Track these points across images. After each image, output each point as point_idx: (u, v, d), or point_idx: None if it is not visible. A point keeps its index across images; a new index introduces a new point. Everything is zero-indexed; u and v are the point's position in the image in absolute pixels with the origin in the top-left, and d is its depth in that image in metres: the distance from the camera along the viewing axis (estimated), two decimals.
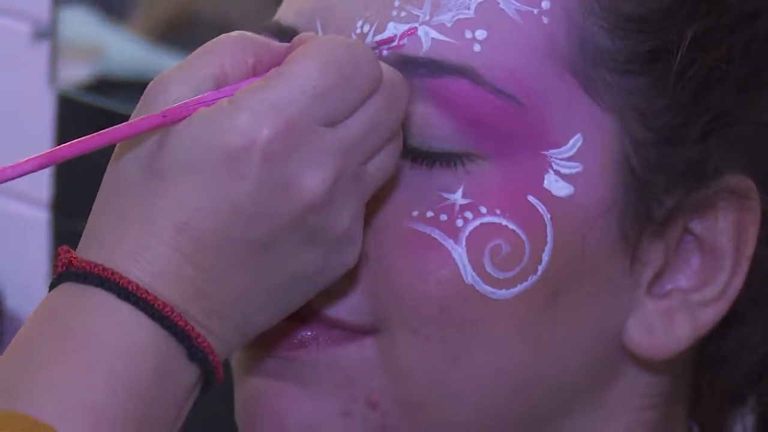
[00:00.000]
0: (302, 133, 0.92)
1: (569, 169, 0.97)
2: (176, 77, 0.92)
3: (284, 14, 1.01)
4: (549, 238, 0.97)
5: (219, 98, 0.91)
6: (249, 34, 0.95)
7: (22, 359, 0.91)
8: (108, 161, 0.92)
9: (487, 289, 0.96)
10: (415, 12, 1.01)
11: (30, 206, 2.24)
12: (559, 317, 0.99)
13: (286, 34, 0.99)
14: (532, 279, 0.97)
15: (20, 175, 0.90)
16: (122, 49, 2.16)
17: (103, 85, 2.18)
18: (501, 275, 0.96)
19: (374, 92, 0.94)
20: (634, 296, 0.99)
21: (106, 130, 0.90)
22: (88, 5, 2.19)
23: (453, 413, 1.01)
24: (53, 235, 2.21)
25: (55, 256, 0.91)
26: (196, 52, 0.95)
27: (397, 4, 0.99)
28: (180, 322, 0.90)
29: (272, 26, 1.00)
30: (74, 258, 0.91)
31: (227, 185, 0.91)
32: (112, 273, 0.90)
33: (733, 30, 0.98)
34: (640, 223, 0.98)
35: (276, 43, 0.95)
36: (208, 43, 0.94)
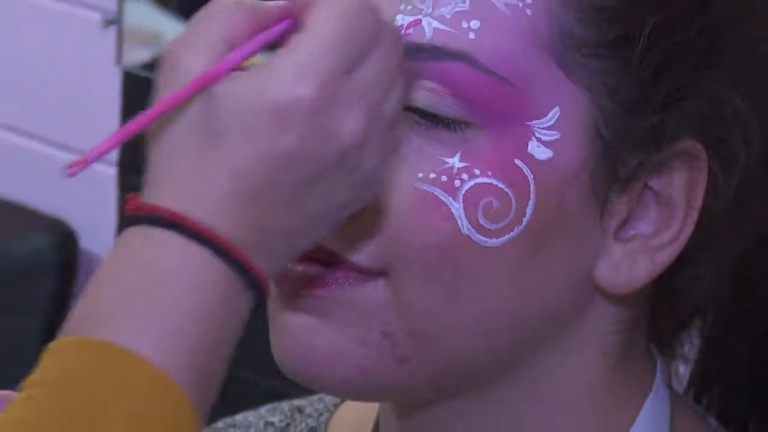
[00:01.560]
0: (334, 84, 0.89)
1: (549, 136, 0.97)
2: (192, 44, 0.90)
3: None
4: (532, 195, 0.96)
5: (242, 59, 0.89)
6: None
7: (103, 293, 0.88)
8: None
9: (480, 238, 0.96)
10: (419, 5, 1.00)
11: (100, 164, 2.23)
12: (541, 261, 0.99)
13: None
14: (517, 229, 0.96)
15: (109, 150, 0.88)
16: (175, 33, 2.16)
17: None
18: (492, 226, 0.95)
19: (380, 39, 0.91)
20: (603, 242, 0.99)
21: (158, 102, 0.88)
22: None
23: (452, 342, 1.00)
24: (120, 188, 2.20)
25: (125, 201, 0.90)
26: (198, 18, 0.92)
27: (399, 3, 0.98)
28: (239, 256, 0.88)
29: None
30: (145, 204, 0.89)
31: (276, 138, 0.89)
32: (180, 216, 0.88)
33: (687, 19, 0.96)
34: (608, 181, 0.97)
35: (267, 3, 0.92)
36: (207, 10, 0.91)
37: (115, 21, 2.18)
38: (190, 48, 0.90)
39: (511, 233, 0.97)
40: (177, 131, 0.89)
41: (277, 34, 0.91)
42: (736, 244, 1.03)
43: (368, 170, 0.92)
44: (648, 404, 1.04)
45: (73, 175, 0.87)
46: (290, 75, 0.89)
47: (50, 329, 2.21)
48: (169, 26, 2.16)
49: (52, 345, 0.86)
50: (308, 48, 0.89)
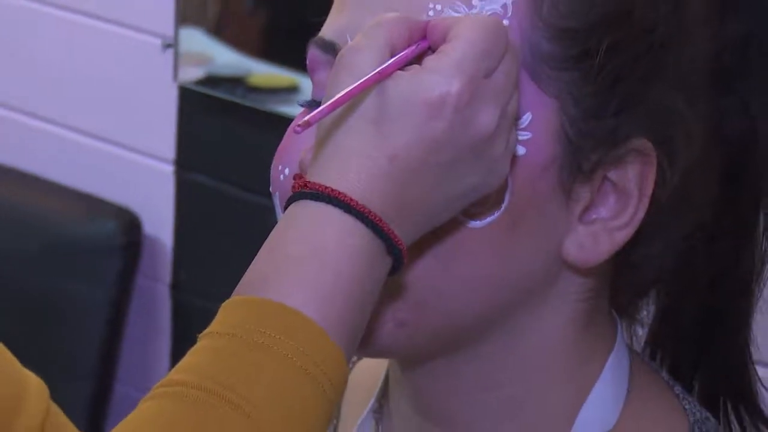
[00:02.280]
0: (475, 85, 0.91)
1: (523, 136, 0.96)
2: (364, 46, 0.91)
3: (325, 32, 0.97)
4: (509, 184, 0.94)
5: (405, 60, 0.91)
6: (399, 14, 0.93)
7: (272, 258, 0.90)
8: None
9: (465, 219, 0.91)
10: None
11: (160, 162, 2.23)
12: (517, 239, 0.98)
13: (327, 45, 0.96)
14: (497, 213, 0.95)
15: (321, 117, 0.89)
16: (221, 56, 2.16)
17: (209, 80, 2.17)
18: (476, 210, 0.93)
19: (507, 52, 0.92)
20: (569, 224, 0.98)
21: (346, 90, 0.89)
22: (198, 26, 2.17)
23: (444, 307, 0.99)
24: (176, 183, 2.20)
25: (294, 180, 0.93)
26: (369, 27, 0.92)
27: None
28: (386, 228, 0.89)
29: (318, 40, 0.96)
30: (309, 182, 0.90)
31: (428, 126, 0.90)
32: (339, 193, 0.89)
33: (637, 39, 0.96)
34: (573, 173, 0.95)
35: (419, 21, 0.94)
36: (375, 22, 0.92)
37: (171, 45, 2.18)
38: (362, 52, 0.91)
39: (492, 216, 0.96)
40: (350, 119, 0.91)
41: (422, 49, 0.93)
42: (681, 226, 1.03)
43: (495, 158, 0.92)
44: (611, 360, 1.04)
45: (299, 132, 0.89)
46: (442, 75, 0.90)
47: (116, 298, 2.22)
48: (214, 50, 2.16)
49: (225, 303, 0.88)
50: (456, 54, 0.90)
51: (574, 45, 0.95)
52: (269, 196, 1.02)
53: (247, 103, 2.12)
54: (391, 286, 0.96)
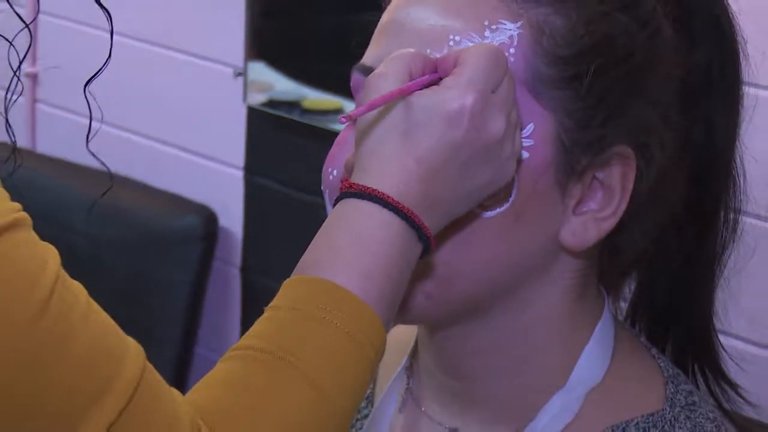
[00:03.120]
0: (486, 98, 0.90)
1: (526, 143, 0.95)
2: (388, 72, 0.91)
3: (365, 60, 0.97)
4: (515, 183, 0.93)
5: (422, 84, 0.91)
6: (413, 50, 0.93)
7: (324, 245, 0.90)
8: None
9: (479, 211, 0.90)
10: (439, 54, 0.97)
11: (232, 168, 2.23)
12: (521, 227, 0.97)
13: (367, 70, 0.94)
14: (505, 205, 0.95)
15: (360, 114, 0.90)
16: (280, 84, 2.16)
17: (271, 103, 2.17)
18: (488, 203, 0.92)
19: (507, 72, 0.92)
20: (564, 215, 0.97)
21: (373, 99, 0.89)
22: (262, 60, 2.17)
23: (461, 284, 0.98)
24: (245, 185, 2.20)
25: (342, 182, 0.92)
26: (390, 58, 0.93)
27: (428, 51, 0.96)
28: (417, 220, 0.89)
29: (359, 66, 0.96)
30: (353, 184, 0.90)
31: (448, 133, 0.90)
32: (378, 192, 0.89)
33: (618, 64, 0.95)
34: (567, 174, 0.94)
35: (430, 57, 0.94)
36: (396, 54, 0.93)
37: (241, 73, 2.18)
38: (386, 76, 0.91)
39: (501, 208, 0.95)
40: (380, 131, 0.90)
41: (434, 78, 0.92)
42: (656, 217, 1.02)
43: (505, 159, 0.92)
44: (599, 327, 1.03)
45: (343, 123, 0.91)
46: (458, 90, 0.90)
47: (197, 279, 2.22)
48: (275, 79, 2.16)
49: (285, 282, 0.88)
50: (468, 73, 0.90)
51: (568, 69, 0.95)
52: (320, 194, 1.02)
53: (302, 121, 2.12)
54: (421, 266, 0.95)
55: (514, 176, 0.95)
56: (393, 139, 0.90)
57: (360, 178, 0.90)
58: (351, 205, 0.90)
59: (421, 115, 0.90)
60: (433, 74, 0.93)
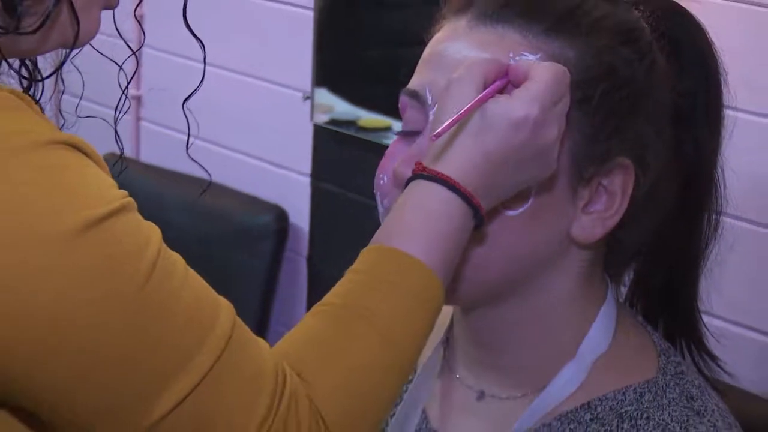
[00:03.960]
0: (547, 110, 0.89)
1: None
2: (465, 79, 0.90)
3: (410, 85, 0.95)
4: (533, 187, 0.91)
5: (494, 91, 0.90)
6: (489, 57, 0.93)
7: (396, 218, 0.89)
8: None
9: (503, 210, 0.89)
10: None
11: (301, 175, 2.24)
12: (538, 224, 0.97)
13: (412, 93, 0.93)
14: (525, 205, 0.94)
15: (449, 127, 0.88)
16: (340, 106, 2.16)
17: (333, 122, 2.17)
18: (511, 204, 0.90)
19: (568, 90, 0.91)
20: (574, 214, 0.95)
21: (456, 116, 0.88)
22: (325, 86, 2.17)
23: (491, 269, 0.98)
24: (311, 189, 2.19)
25: (415, 165, 0.90)
26: (468, 65, 0.91)
27: None
28: (474, 201, 0.88)
29: (406, 90, 0.94)
30: (426, 167, 0.89)
31: (512, 136, 0.88)
32: (445, 176, 0.88)
33: (620, 89, 0.94)
34: (577, 180, 0.93)
35: (502, 63, 0.92)
36: (472, 62, 0.91)
37: (309, 97, 2.19)
38: (464, 82, 0.90)
39: (522, 208, 0.95)
40: (459, 130, 0.89)
41: (504, 83, 0.91)
42: (651, 217, 1.01)
43: (551, 160, 0.91)
44: (603, 308, 1.02)
45: (437, 138, 0.88)
46: (526, 102, 0.89)
47: (271, 266, 2.22)
48: (335, 102, 2.15)
49: (364, 250, 0.88)
50: (537, 88, 0.89)
51: (578, 93, 0.94)
52: (373, 196, 1.01)
53: (357, 137, 2.12)
54: (460, 255, 0.94)
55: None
56: (465, 136, 0.89)
57: (431, 163, 0.89)
58: (421, 185, 0.89)
59: (493, 119, 0.89)
60: (503, 79, 0.92)
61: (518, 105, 0.89)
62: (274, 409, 0.78)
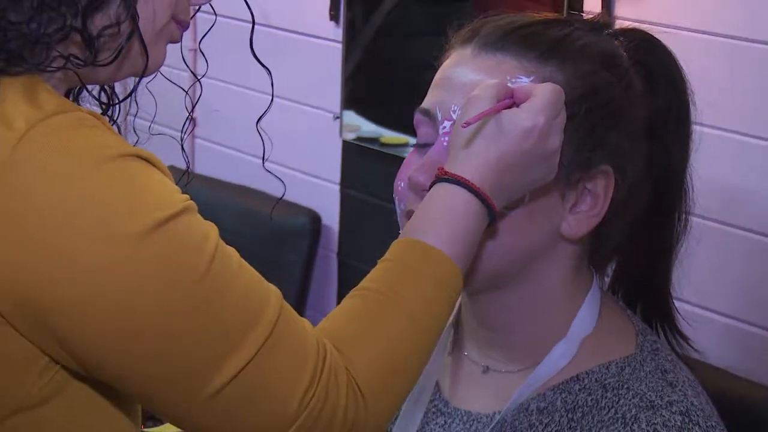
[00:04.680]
0: (551, 121, 0.89)
1: None
2: (482, 97, 0.89)
3: (424, 104, 0.94)
4: (529, 192, 0.90)
5: (505, 105, 0.89)
6: (497, 81, 0.92)
7: (421, 215, 0.88)
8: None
9: (506, 211, 0.89)
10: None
11: (332, 184, 2.23)
12: (533, 222, 0.97)
13: (425, 112, 0.93)
14: (523, 207, 0.91)
15: (472, 123, 0.88)
16: (365, 126, 2.16)
17: (359, 139, 2.15)
18: (511, 205, 0.90)
19: (564, 106, 0.91)
20: (563, 214, 0.93)
21: (478, 114, 0.87)
22: (353, 109, 2.16)
23: (493, 260, 0.96)
24: (341, 195, 2.18)
25: (438, 170, 0.89)
26: (484, 86, 0.91)
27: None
28: (489, 200, 0.87)
29: (420, 109, 0.94)
30: (447, 171, 0.88)
31: (522, 142, 0.88)
32: (464, 179, 0.87)
33: (602, 107, 0.94)
34: (565, 184, 0.91)
35: (508, 85, 0.92)
36: (487, 84, 0.91)
37: (338, 117, 2.17)
38: (481, 98, 0.89)
39: (519, 209, 0.94)
40: (476, 136, 0.89)
41: (511, 102, 0.91)
42: (629, 216, 1.01)
43: (553, 165, 0.91)
44: (589, 295, 1.02)
45: (466, 126, 0.87)
46: (533, 113, 0.88)
47: (307, 261, 2.20)
48: (361, 122, 2.14)
49: (394, 242, 0.88)
50: (541, 102, 0.89)
51: (566, 110, 0.93)
52: (392, 201, 1.01)
53: (380, 151, 2.11)
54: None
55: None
56: (481, 142, 0.89)
57: (452, 168, 0.89)
58: (444, 187, 0.89)
59: (506, 127, 0.89)
60: (510, 99, 0.91)
61: (527, 116, 0.89)
62: (317, 378, 0.78)
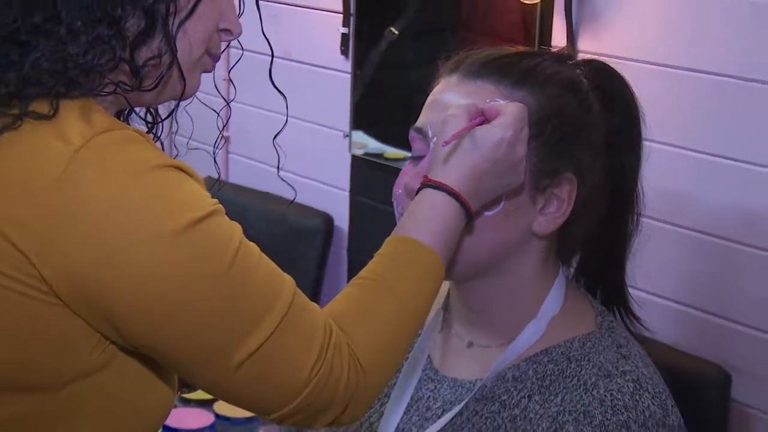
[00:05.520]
0: (518, 134, 0.89)
1: None
2: (456, 116, 0.89)
3: (417, 123, 0.94)
4: (504, 194, 0.90)
5: (478, 122, 0.89)
6: (471, 102, 0.91)
7: (409, 216, 0.88)
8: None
9: (483, 211, 0.89)
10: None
11: (342, 191, 2.22)
12: (508, 222, 0.94)
13: (418, 130, 0.93)
14: (497, 208, 0.90)
15: (449, 142, 0.88)
16: (371, 143, 2.14)
17: (366, 154, 2.14)
18: (489, 206, 0.90)
19: (526, 124, 0.90)
20: (534, 214, 0.92)
21: (455, 133, 0.87)
22: (361, 129, 2.15)
23: (473, 255, 0.96)
24: (350, 201, 2.17)
25: (423, 179, 0.88)
26: (458, 106, 0.90)
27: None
28: (467, 203, 0.87)
29: (414, 127, 0.94)
30: (431, 179, 0.88)
31: (493, 152, 0.88)
32: (446, 185, 0.87)
33: (566, 124, 0.94)
34: (536, 190, 0.91)
35: (475, 105, 0.91)
36: (458, 105, 0.91)
37: (348, 136, 2.16)
38: (456, 116, 0.90)
39: (496, 209, 0.94)
40: (454, 149, 0.89)
41: (482, 120, 0.90)
42: (589, 217, 1.00)
43: (520, 172, 0.90)
44: (556, 282, 1.02)
45: (446, 144, 0.87)
46: (502, 128, 0.88)
47: (321, 256, 2.19)
48: (368, 141, 2.13)
49: (387, 239, 0.87)
50: (508, 119, 0.89)
51: (535, 128, 0.94)
52: (392, 204, 1.01)
53: (384, 164, 2.11)
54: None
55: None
56: (459, 153, 0.89)
57: (434, 175, 0.89)
58: (427, 192, 0.89)
59: (479, 140, 0.89)
60: (482, 117, 0.91)
61: (497, 131, 0.89)
62: (324, 353, 0.79)
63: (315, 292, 2.17)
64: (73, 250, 0.74)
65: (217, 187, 0.92)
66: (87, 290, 0.75)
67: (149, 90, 0.81)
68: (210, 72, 0.88)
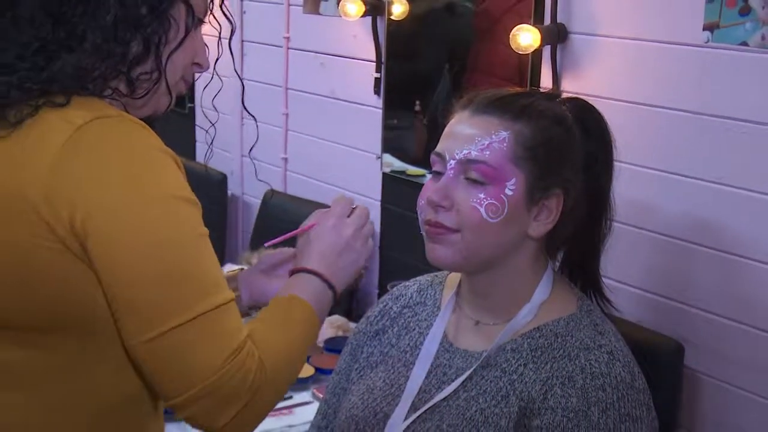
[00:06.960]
0: (358, 230, 0.90)
1: (511, 188, 0.92)
2: (342, 204, 0.91)
3: (437, 149, 0.94)
4: (506, 204, 0.89)
5: (308, 228, 0.89)
6: (350, 199, 0.93)
7: (289, 286, 0.87)
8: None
9: (488, 219, 0.89)
10: (469, 145, 0.95)
11: (375, 201, 2.19)
12: (508, 227, 0.93)
13: (438, 154, 0.94)
14: (501, 217, 0.90)
15: (279, 242, 0.89)
16: (397, 163, 2.12)
17: (394, 171, 2.13)
18: (492, 215, 0.89)
19: (368, 218, 0.91)
20: (529, 221, 0.92)
21: (284, 236, 0.87)
22: (390, 152, 2.13)
23: (479, 253, 0.97)
24: (381, 209, 2.15)
25: (293, 269, 0.88)
26: (337, 201, 0.92)
27: (468, 144, 0.92)
28: (330, 281, 0.87)
29: (434, 152, 0.95)
30: (301, 267, 0.88)
31: (343, 241, 0.89)
32: (311, 269, 0.87)
33: (554, 150, 0.94)
34: (530, 202, 0.90)
35: (350, 206, 0.92)
36: (339, 197, 0.92)
37: (380, 157, 2.15)
38: (338, 204, 0.91)
39: (500, 218, 0.95)
40: (316, 240, 0.89)
41: (311, 225, 0.91)
42: (572, 223, 1.01)
43: (361, 252, 0.91)
44: (545, 274, 1.01)
45: (269, 247, 0.87)
46: (352, 226, 0.90)
47: None
48: (395, 161, 2.09)
49: (272, 299, 0.85)
50: (356, 220, 0.90)
51: (530, 153, 0.94)
52: (415, 212, 1.01)
53: (407, 179, 2.10)
54: (460, 243, 0.94)
55: (505, 202, 0.94)
56: (320, 243, 0.90)
57: (304, 263, 0.89)
58: (299, 275, 0.88)
59: (320, 233, 0.90)
60: (312, 224, 0.91)
61: (348, 226, 0.90)
62: (238, 351, 0.77)
63: (353, 282, 2.13)
64: (74, 201, 0.73)
65: (276, 197, 0.93)
66: (74, 221, 0.73)
67: (140, 98, 0.81)
68: (183, 94, 0.86)
